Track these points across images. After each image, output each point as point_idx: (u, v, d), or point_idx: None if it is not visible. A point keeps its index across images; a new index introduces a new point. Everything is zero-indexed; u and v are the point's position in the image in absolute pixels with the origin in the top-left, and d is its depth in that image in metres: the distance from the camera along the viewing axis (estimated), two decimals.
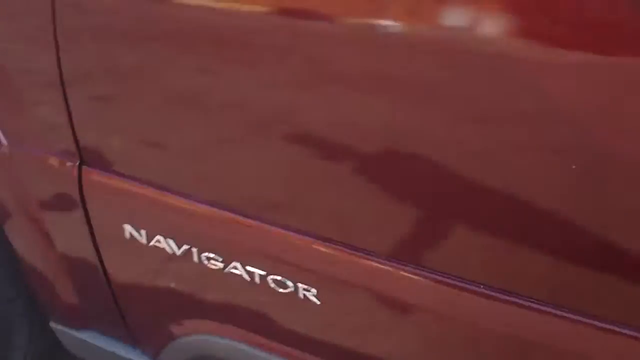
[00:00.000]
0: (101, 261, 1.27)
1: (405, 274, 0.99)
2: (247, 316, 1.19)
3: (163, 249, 1.19)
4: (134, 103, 1.10)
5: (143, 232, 1.19)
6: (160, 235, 1.18)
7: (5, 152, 1.25)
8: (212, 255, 1.16)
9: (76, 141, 1.19)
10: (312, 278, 1.09)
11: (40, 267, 1.35)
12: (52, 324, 1.42)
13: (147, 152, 1.15)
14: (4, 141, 1.25)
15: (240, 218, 1.10)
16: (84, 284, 1.33)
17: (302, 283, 1.10)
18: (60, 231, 1.28)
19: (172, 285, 1.23)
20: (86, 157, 1.20)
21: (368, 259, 1.02)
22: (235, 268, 1.15)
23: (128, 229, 1.20)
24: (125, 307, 1.31)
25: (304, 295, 1.11)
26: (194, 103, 1.05)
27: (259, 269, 1.13)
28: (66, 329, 1.41)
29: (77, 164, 1.21)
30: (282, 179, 1.04)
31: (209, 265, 1.16)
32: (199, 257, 1.17)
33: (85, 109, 1.16)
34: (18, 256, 1.34)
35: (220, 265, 1.16)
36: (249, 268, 1.14)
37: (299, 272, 1.10)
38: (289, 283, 1.12)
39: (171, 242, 1.18)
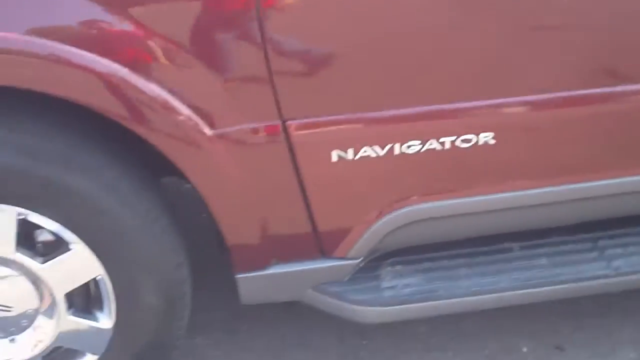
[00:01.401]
0: (303, 191, 1.61)
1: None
2: (440, 178, 1.64)
3: (368, 156, 1.58)
4: None
5: (350, 150, 1.57)
6: (366, 146, 1.57)
7: (211, 138, 1.53)
8: (411, 142, 1.58)
9: (277, 103, 1.51)
10: (489, 126, 1.58)
11: (237, 219, 1.64)
12: (238, 275, 1.72)
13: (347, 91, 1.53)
14: (207, 131, 1.52)
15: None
16: (279, 219, 1.65)
17: (482, 132, 1.59)
18: (266, 182, 1.60)
19: (369, 181, 1.63)
20: (288, 115, 1.53)
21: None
22: (430, 144, 1.58)
23: (335, 153, 1.57)
24: (322, 222, 1.66)
25: (485, 141, 1.59)
26: None
27: (450, 136, 1.58)
28: (251, 273, 1.72)
29: (282, 122, 1.54)
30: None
31: (408, 151, 1.58)
32: (400, 149, 1.58)
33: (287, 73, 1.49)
34: (214, 213, 1.61)
35: (418, 147, 1.58)
36: (441, 139, 1.58)
37: (479, 126, 1.58)
38: (472, 136, 1.59)
39: (376, 147, 1.57)
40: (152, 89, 1.47)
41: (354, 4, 1.48)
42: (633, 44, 1.57)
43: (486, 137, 1.60)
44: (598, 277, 1.77)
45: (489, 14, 1.51)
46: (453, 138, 1.60)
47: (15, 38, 1.41)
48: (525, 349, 2.00)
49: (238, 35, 1.47)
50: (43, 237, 1.66)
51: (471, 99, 1.58)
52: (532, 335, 2.02)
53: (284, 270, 1.72)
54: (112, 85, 1.46)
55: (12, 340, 1.74)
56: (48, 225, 1.59)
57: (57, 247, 1.65)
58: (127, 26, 1.44)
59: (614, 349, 1.96)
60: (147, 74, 1.46)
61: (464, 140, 1.60)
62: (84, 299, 1.72)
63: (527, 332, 2.03)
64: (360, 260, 1.73)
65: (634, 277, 1.77)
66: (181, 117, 1.50)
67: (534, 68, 1.57)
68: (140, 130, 1.51)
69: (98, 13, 1.43)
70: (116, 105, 1.48)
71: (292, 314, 2.10)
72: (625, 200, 1.74)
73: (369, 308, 1.75)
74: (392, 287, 1.76)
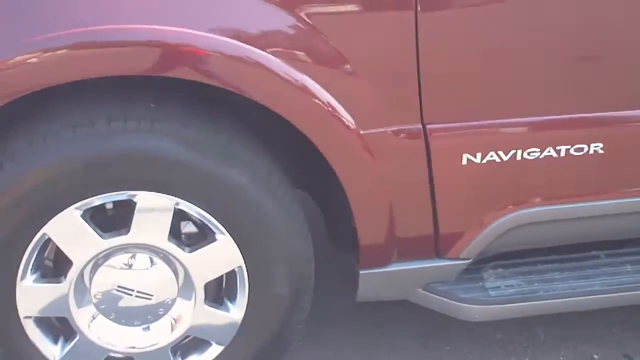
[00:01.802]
0: (432, 192, 1.80)
1: None
2: (552, 184, 1.85)
3: (493, 160, 1.78)
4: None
5: (478, 154, 1.77)
6: (493, 151, 1.77)
7: (362, 137, 1.71)
8: (532, 149, 1.79)
9: (421, 106, 1.71)
10: (599, 137, 1.81)
11: (372, 217, 1.80)
12: (361, 271, 1.88)
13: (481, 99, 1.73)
14: (361, 131, 1.70)
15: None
16: (408, 218, 1.83)
17: (593, 143, 1.81)
18: (402, 182, 1.78)
19: (490, 185, 1.82)
20: (428, 120, 1.73)
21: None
22: (548, 151, 1.80)
23: (465, 157, 1.77)
24: (444, 223, 1.85)
25: (594, 150, 1.81)
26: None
27: (565, 145, 1.80)
28: (373, 270, 1.88)
29: (423, 126, 1.73)
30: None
31: (528, 157, 1.79)
32: (522, 155, 1.79)
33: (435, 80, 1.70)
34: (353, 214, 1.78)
35: (537, 154, 1.79)
36: (558, 147, 1.80)
37: (590, 136, 1.80)
38: (584, 146, 1.81)
39: (501, 153, 1.78)
40: (323, 93, 1.65)
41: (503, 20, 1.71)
42: None
43: (596, 147, 1.82)
44: None
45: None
46: (568, 147, 1.81)
47: (210, 39, 1.58)
48: (596, 356, 2.19)
49: (393, 43, 1.68)
50: (187, 229, 1.80)
51: (585, 111, 1.81)
52: (601, 344, 2.22)
53: (402, 268, 1.89)
54: (289, 87, 1.64)
55: (146, 329, 1.85)
56: (201, 217, 1.74)
57: (200, 238, 1.79)
58: (305, 33, 1.63)
59: None
60: (318, 80, 1.65)
61: (577, 149, 1.82)
62: (216, 290, 1.86)
63: (596, 340, 2.23)
64: (470, 261, 1.92)
65: None
66: (340, 118, 1.68)
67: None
68: (305, 127, 1.68)
69: (283, 20, 1.62)
70: (285, 103, 1.66)
71: (378, 319, 2.26)
72: None
73: (475, 306, 1.92)
74: (496, 288, 1.94)
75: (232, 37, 1.60)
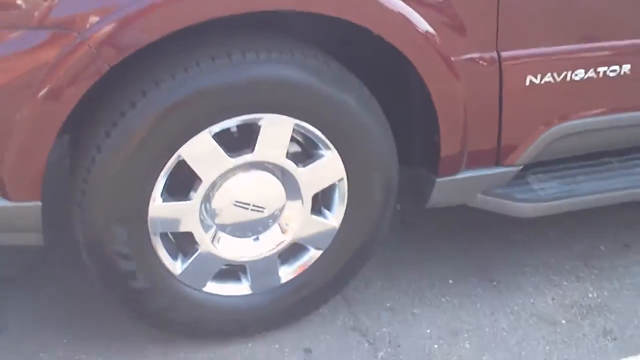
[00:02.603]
0: (500, 109, 2.15)
1: None
2: (591, 99, 2.24)
3: (549, 81, 2.15)
4: None
5: (538, 75, 2.14)
6: (548, 73, 2.14)
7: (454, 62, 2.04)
8: (578, 71, 2.17)
9: (497, 37, 2.06)
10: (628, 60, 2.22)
11: (454, 132, 2.14)
12: (438, 179, 2.22)
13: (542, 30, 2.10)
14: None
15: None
16: (478, 132, 2.17)
17: (624, 64, 2.22)
18: (478, 101, 2.12)
19: (544, 101, 2.19)
20: (501, 48, 2.08)
21: None
22: (591, 72, 2.19)
23: (528, 78, 2.13)
24: (506, 135, 2.20)
25: (625, 72, 2.22)
26: None
27: (603, 67, 2.19)
28: (446, 178, 2.21)
29: (497, 53, 2.08)
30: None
31: (575, 78, 2.18)
32: (570, 76, 2.17)
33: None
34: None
35: (582, 75, 2.18)
36: (598, 69, 2.19)
37: (622, 60, 2.21)
38: (617, 67, 2.21)
39: (555, 74, 2.15)
40: (426, 26, 1.97)
41: None
42: None
43: (626, 68, 2.23)
44: None
45: None
46: (605, 68, 2.21)
47: None
48: (602, 248, 2.64)
49: None
50: (292, 148, 2.08)
51: (619, 39, 2.21)
52: (606, 237, 2.68)
53: (469, 175, 2.24)
54: (402, 21, 1.94)
55: (256, 239, 2.12)
56: (313, 135, 2.02)
57: (305, 157, 2.07)
58: None
59: None
60: (423, 14, 1.96)
61: (612, 71, 2.22)
62: (314, 201, 2.15)
63: (602, 234, 2.69)
64: (520, 167, 2.29)
65: None
66: (438, 47, 2.00)
67: None
68: (410, 54, 1.98)
69: None
70: (397, 35, 1.96)
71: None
72: None
73: (529, 204, 2.30)
74: (542, 189, 2.33)
75: None
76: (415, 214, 2.67)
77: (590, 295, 2.44)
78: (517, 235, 2.68)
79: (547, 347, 2.22)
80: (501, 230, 2.68)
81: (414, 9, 1.95)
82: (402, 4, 1.94)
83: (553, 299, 2.42)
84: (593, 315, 2.36)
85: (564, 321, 2.33)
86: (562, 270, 2.53)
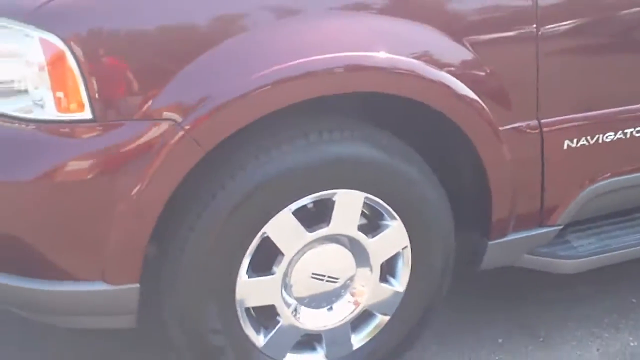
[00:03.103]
0: (543, 173, 2.39)
1: None
2: (622, 160, 2.49)
3: (584, 144, 2.40)
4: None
5: (575, 140, 2.38)
6: (583, 136, 2.39)
7: (502, 132, 2.27)
8: (609, 133, 2.43)
9: (537, 106, 2.31)
10: None
11: (504, 196, 2.36)
12: (490, 242, 2.42)
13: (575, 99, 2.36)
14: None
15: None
16: (524, 196, 2.39)
17: None
18: (523, 166, 2.35)
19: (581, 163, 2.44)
20: (542, 116, 2.32)
21: None
22: (620, 134, 2.44)
23: (566, 142, 2.38)
24: (548, 197, 2.43)
25: None
26: None
27: (630, 128, 2.45)
28: (497, 240, 2.41)
29: (538, 121, 2.33)
30: None
31: (606, 140, 2.43)
32: (602, 138, 2.42)
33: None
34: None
35: (612, 137, 2.43)
36: (626, 130, 2.45)
37: None
38: None
39: (588, 137, 2.40)
40: (479, 103, 2.21)
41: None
42: None
43: None
44: None
45: None
46: (631, 129, 2.47)
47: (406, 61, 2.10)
48: (634, 300, 2.86)
49: (523, 65, 2.27)
50: (361, 220, 2.27)
51: None
52: (635, 290, 2.89)
53: (517, 237, 2.45)
54: (460, 99, 2.18)
55: (330, 309, 2.29)
56: (380, 207, 2.22)
57: (371, 228, 2.27)
58: (466, 55, 2.18)
59: None
60: (477, 92, 2.20)
61: (637, 131, 2.47)
62: (382, 269, 2.33)
63: (631, 287, 2.91)
64: (561, 227, 2.51)
65: None
66: (490, 119, 2.24)
67: None
68: (467, 129, 2.21)
69: (452, 46, 2.17)
70: (456, 112, 2.19)
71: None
72: None
73: (571, 261, 2.52)
74: (582, 245, 2.55)
75: (421, 60, 2.12)
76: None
77: (631, 344, 2.64)
78: (553, 293, 2.88)
79: None
80: (536, 290, 2.88)
81: (469, 87, 2.19)
82: (466, 89, 2.18)
83: (598, 349, 2.62)
84: None
85: None
86: (601, 323, 2.73)
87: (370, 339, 2.36)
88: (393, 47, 2.10)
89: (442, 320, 2.66)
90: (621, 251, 2.57)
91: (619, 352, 2.60)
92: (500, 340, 2.66)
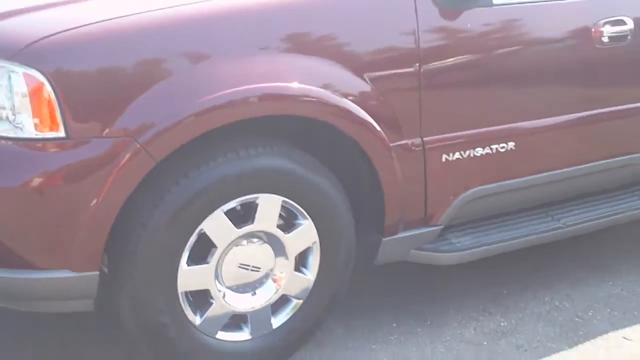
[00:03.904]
0: (425, 182, 3.03)
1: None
2: (495, 169, 3.15)
3: (459, 158, 3.05)
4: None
5: (451, 154, 3.04)
6: (457, 151, 3.05)
7: (392, 148, 2.90)
8: (478, 149, 3.09)
9: (420, 128, 2.96)
10: (512, 138, 3.16)
11: (395, 202, 2.98)
12: (384, 239, 3.04)
13: (450, 121, 3.02)
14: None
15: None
16: (411, 201, 3.02)
17: (511, 142, 3.16)
18: (409, 177, 2.98)
19: (457, 173, 3.09)
20: (424, 134, 2.97)
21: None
22: (488, 149, 3.11)
23: (444, 157, 3.03)
24: (430, 202, 3.08)
25: (510, 148, 3.16)
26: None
27: (494, 144, 3.13)
28: (389, 237, 3.02)
29: (421, 139, 2.97)
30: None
31: (476, 154, 3.09)
32: (473, 152, 3.08)
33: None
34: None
35: (481, 151, 3.10)
36: (492, 146, 3.12)
37: (507, 138, 3.15)
38: (508, 144, 3.15)
39: (462, 152, 3.06)
40: (375, 125, 2.83)
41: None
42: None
43: (511, 144, 3.16)
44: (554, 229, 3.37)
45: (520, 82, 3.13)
46: (499, 145, 3.14)
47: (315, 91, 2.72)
48: (505, 291, 3.52)
49: (409, 97, 2.91)
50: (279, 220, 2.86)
51: (505, 123, 3.15)
52: (508, 282, 3.56)
53: (406, 234, 3.07)
54: (360, 122, 2.80)
55: (253, 294, 2.86)
56: (294, 208, 2.81)
57: (289, 225, 2.85)
58: (363, 85, 2.81)
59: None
60: (373, 116, 2.83)
61: (501, 147, 3.15)
62: (297, 261, 2.92)
63: (505, 280, 3.57)
64: (442, 226, 3.16)
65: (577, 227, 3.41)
66: (383, 138, 2.86)
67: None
68: (365, 145, 2.83)
69: (353, 80, 2.79)
70: (356, 131, 2.81)
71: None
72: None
73: (451, 254, 3.15)
74: (459, 242, 3.19)
75: (329, 90, 2.74)
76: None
77: (501, 324, 3.29)
78: (437, 286, 3.53)
79: None
80: (423, 283, 3.52)
81: (366, 111, 2.82)
82: (364, 113, 2.81)
83: (474, 329, 3.25)
84: (506, 337, 3.20)
85: (485, 342, 3.17)
86: (477, 309, 3.38)
87: (287, 320, 2.93)
88: (305, 79, 2.71)
89: (346, 308, 3.26)
90: (492, 246, 3.22)
91: (492, 330, 3.24)
92: (394, 324, 3.28)
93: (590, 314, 3.38)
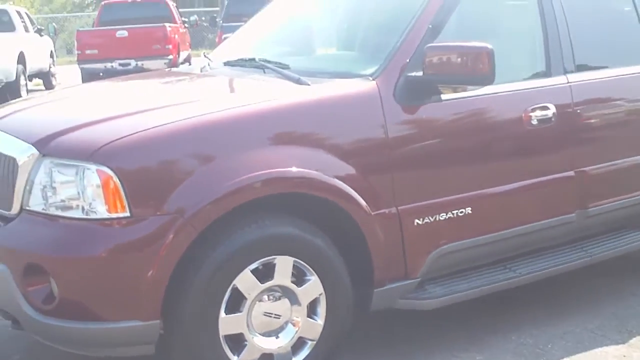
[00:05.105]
0: (403, 242, 3.99)
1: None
2: (457, 230, 4.12)
3: (427, 222, 4.03)
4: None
5: (421, 218, 4.02)
6: (427, 216, 4.03)
7: (373, 216, 3.88)
8: (442, 214, 4.07)
9: (394, 199, 3.95)
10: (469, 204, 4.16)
11: (382, 261, 3.93)
12: (375, 290, 3.97)
13: (418, 193, 4.01)
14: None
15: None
16: (393, 259, 3.98)
17: (468, 207, 4.15)
18: (390, 239, 3.95)
19: (428, 234, 4.06)
20: (398, 203, 3.96)
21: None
22: (450, 214, 4.09)
23: (416, 221, 4.01)
24: (409, 259, 4.02)
25: (468, 212, 4.16)
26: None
27: (456, 209, 4.12)
28: (379, 289, 3.96)
29: (396, 208, 3.96)
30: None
31: (441, 218, 4.07)
32: (439, 217, 4.06)
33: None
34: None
35: (445, 216, 4.08)
36: (453, 211, 4.11)
37: (465, 204, 4.15)
38: (465, 209, 4.14)
39: (430, 216, 4.03)
40: (359, 198, 3.81)
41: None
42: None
43: (469, 209, 4.15)
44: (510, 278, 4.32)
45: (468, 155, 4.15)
46: (456, 210, 4.11)
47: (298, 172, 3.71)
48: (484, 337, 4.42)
49: (381, 174, 3.92)
50: (292, 277, 3.79)
51: (464, 192, 4.14)
52: (478, 325, 4.47)
53: (392, 286, 4.00)
54: (346, 195, 3.77)
55: (277, 337, 3.76)
56: (303, 266, 3.75)
57: (300, 281, 3.78)
58: (344, 165, 3.81)
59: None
60: (355, 188, 3.81)
61: (460, 212, 4.13)
62: (308, 309, 3.83)
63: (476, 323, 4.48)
64: (419, 279, 4.09)
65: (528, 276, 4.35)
66: (365, 208, 3.83)
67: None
68: (352, 213, 3.80)
69: (335, 163, 3.79)
70: (344, 201, 3.79)
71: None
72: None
73: (430, 301, 4.08)
74: (435, 291, 4.12)
75: (319, 171, 3.73)
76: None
77: (477, 358, 4.18)
78: (422, 331, 4.43)
79: None
80: (409, 330, 4.43)
81: (352, 188, 3.80)
82: (350, 189, 3.79)
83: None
84: None
85: None
86: (458, 348, 4.27)
87: (304, 358, 3.83)
88: (302, 165, 3.71)
89: (349, 353, 4.15)
90: (461, 293, 4.15)
91: None
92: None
93: (549, 346, 4.27)
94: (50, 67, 19.72)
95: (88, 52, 18.22)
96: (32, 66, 17.86)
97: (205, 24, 24.89)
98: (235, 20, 15.76)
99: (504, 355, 4.20)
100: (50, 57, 20.04)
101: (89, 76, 17.32)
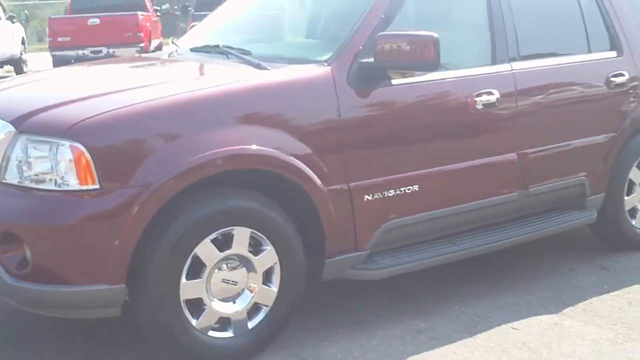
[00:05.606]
0: (354, 216, 4.34)
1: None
2: (402, 207, 4.49)
3: (377, 197, 4.39)
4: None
5: (371, 194, 4.38)
6: (376, 192, 4.39)
7: (326, 191, 4.23)
8: (391, 190, 4.44)
9: (346, 176, 4.30)
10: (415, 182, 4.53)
11: (333, 234, 4.29)
12: (326, 260, 4.33)
13: (368, 169, 4.37)
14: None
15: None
16: (344, 231, 4.33)
17: (415, 185, 4.52)
18: (342, 213, 4.32)
19: (378, 209, 4.42)
20: (349, 180, 4.32)
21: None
22: (399, 191, 4.46)
23: (365, 197, 4.37)
24: (359, 231, 4.38)
25: (415, 189, 4.52)
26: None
27: (403, 187, 4.49)
28: (330, 259, 4.31)
29: (347, 184, 4.32)
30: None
31: (389, 195, 4.43)
32: (387, 193, 4.43)
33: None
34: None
35: (394, 192, 4.45)
36: (401, 188, 4.48)
37: (413, 182, 4.51)
38: (413, 186, 4.52)
39: (379, 193, 4.40)
40: (312, 174, 4.16)
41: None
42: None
43: (415, 187, 4.51)
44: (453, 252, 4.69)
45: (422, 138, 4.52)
46: (406, 187, 4.48)
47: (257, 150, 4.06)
48: (426, 305, 4.80)
49: (334, 152, 4.27)
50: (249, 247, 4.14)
51: (412, 170, 4.50)
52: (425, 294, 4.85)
53: (343, 257, 4.35)
54: (300, 170, 4.12)
55: (234, 302, 4.11)
56: (259, 237, 4.10)
57: (256, 250, 4.13)
58: (304, 145, 4.16)
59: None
60: (309, 165, 4.16)
61: (408, 189, 4.49)
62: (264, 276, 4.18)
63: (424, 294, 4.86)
64: (369, 251, 4.45)
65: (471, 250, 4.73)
66: (318, 183, 4.19)
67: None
68: (305, 187, 4.15)
69: (294, 142, 4.15)
70: (296, 176, 4.13)
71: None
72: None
73: (376, 271, 4.44)
74: (382, 262, 4.48)
75: (277, 149, 4.07)
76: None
77: (421, 325, 4.53)
78: (374, 302, 4.80)
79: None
80: (363, 301, 4.79)
81: (307, 166, 4.15)
82: (305, 166, 4.14)
83: (401, 329, 4.50)
84: (424, 333, 4.44)
85: (408, 337, 4.42)
86: (403, 316, 4.63)
87: (259, 322, 4.16)
88: (261, 143, 4.05)
89: (301, 320, 4.50)
90: (406, 265, 4.52)
91: (413, 329, 4.47)
92: (339, 330, 4.52)
93: (487, 314, 4.65)
94: (21, 54, 19.86)
95: (60, 39, 18.43)
96: (3, 52, 18.05)
97: (177, 13, 25.09)
98: (208, 9, 15.82)
99: (446, 322, 4.57)
100: (22, 44, 20.20)
101: (60, 63, 17.48)
